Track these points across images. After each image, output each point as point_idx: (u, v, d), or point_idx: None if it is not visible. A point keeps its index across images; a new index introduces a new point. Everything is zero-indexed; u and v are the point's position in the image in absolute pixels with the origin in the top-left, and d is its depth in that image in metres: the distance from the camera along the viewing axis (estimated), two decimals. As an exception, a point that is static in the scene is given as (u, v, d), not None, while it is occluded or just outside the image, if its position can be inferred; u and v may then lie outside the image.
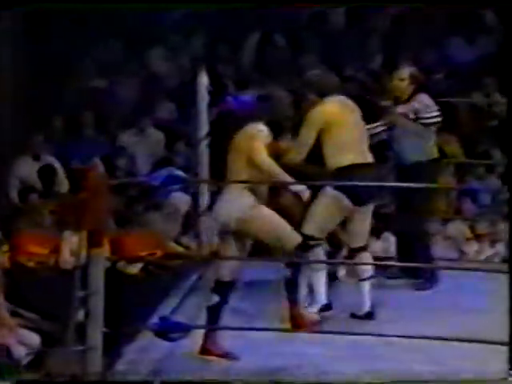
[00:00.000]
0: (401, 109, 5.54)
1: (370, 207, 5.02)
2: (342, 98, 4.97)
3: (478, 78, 8.60)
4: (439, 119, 5.64)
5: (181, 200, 6.94)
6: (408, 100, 5.59)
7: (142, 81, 8.78)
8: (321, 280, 4.87)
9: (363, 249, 5.07)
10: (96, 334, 4.23)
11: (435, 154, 5.70)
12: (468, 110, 8.44)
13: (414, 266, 5.51)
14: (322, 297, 4.88)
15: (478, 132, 8.24)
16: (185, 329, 4.41)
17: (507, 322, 4.91)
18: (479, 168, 7.71)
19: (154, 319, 4.64)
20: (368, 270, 5.03)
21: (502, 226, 7.19)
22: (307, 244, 4.69)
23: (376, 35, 9.10)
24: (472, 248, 7.16)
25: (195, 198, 6.60)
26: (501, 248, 7.11)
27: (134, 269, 5.74)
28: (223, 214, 4.61)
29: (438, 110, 5.69)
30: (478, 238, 7.19)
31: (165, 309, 4.96)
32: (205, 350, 4.56)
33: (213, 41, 9.01)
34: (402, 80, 5.58)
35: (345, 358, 4.53)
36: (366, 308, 5.05)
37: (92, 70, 8.72)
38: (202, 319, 4.86)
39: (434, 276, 5.59)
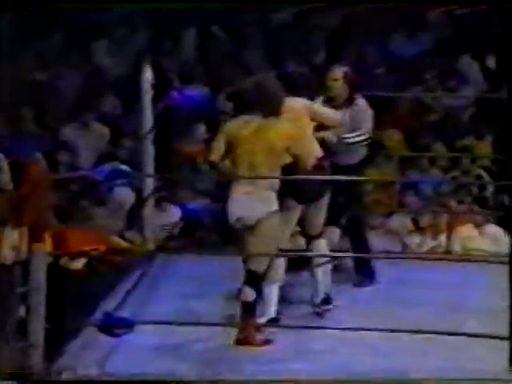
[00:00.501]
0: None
1: (322, 202, 5.08)
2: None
3: (420, 73, 8.70)
4: (364, 139, 5.51)
5: (125, 195, 6.91)
6: (347, 103, 5.45)
7: (86, 74, 8.69)
8: (273, 293, 4.86)
9: (318, 236, 5.13)
10: (38, 331, 4.19)
11: (363, 155, 5.65)
12: (410, 104, 8.54)
13: (370, 256, 5.55)
14: (271, 310, 4.86)
15: (420, 126, 8.35)
16: (129, 324, 4.39)
17: (449, 314, 5.01)
18: (422, 161, 7.81)
19: (98, 315, 4.61)
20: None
21: (444, 219, 7.30)
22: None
23: (319, 31, 9.15)
24: (414, 240, 7.25)
25: (140, 192, 6.57)
26: (443, 240, 7.21)
27: (78, 264, 5.69)
28: (248, 211, 4.63)
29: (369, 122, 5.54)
30: (420, 230, 7.28)
31: (109, 304, 4.92)
32: (242, 341, 4.65)
33: (156, 35, 8.97)
34: (336, 80, 5.46)
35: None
36: (322, 295, 5.07)
37: (33, 63, 8.60)
38: (147, 314, 4.87)
39: (373, 273, 5.63)
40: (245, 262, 4.76)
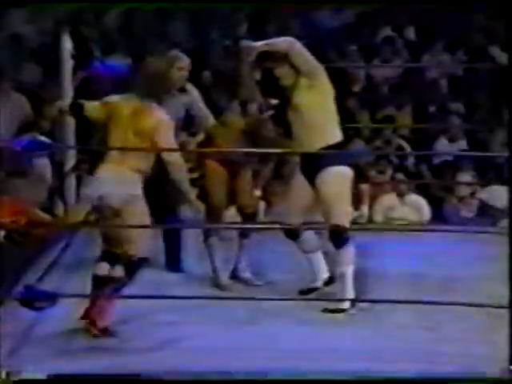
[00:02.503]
0: None
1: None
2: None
3: (342, 45, 8.76)
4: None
5: (45, 166, 6.79)
6: (181, 91, 5.20)
7: (3, 42, 8.45)
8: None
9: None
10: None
11: None
12: (333, 75, 8.57)
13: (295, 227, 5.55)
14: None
15: (345, 97, 8.40)
16: (51, 297, 4.32)
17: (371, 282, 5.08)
18: (348, 132, 7.88)
19: (19, 288, 4.53)
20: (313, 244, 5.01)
21: (367, 189, 7.38)
22: None
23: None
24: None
25: (61, 164, 6.47)
26: (365, 210, 7.30)
27: (-4, 237, 5.58)
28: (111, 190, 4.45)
29: None
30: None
31: (30, 278, 4.84)
32: (87, 316, 4.47)
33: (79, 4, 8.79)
34: (181, 69, 5.19)
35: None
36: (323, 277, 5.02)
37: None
38: (69, 289, 4.81)
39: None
40: (105, 241, 4.54)
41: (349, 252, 4.79)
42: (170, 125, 4.55)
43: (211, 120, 5.27)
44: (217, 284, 5.21)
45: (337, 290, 4.83)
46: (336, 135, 4.82)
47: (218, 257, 5.24)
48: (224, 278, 5.24)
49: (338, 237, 4.77)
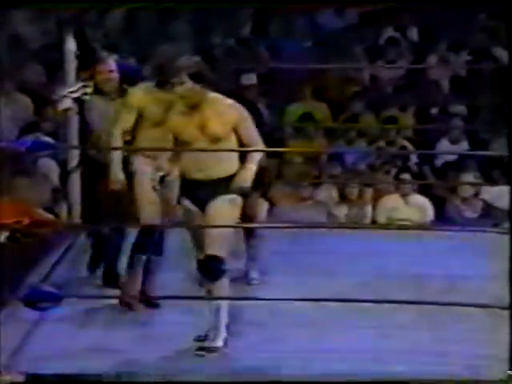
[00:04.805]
0: None
1: None
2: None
3: (346, 47, 8.76)
4: None
5: (49, 167, 6.80)
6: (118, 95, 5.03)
7: (6, 42, 8.46)
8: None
9: None
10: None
11: None
12: (336, 77, 8.59)
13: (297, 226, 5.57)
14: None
15: (347, 98, 8.42)
16: (55, 298, 4.33)
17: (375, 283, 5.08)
18: (350, 133, 7.89)
19: (23, 289, 4.54)
20: None
21: (370, 189, 7.40)
22: None
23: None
24: (341, 211, 7.32)
25: (64, 164, 6.48)
26: (369, 210, 7.31)
27: (0, 237, 5.59)
28: None
29: None
30: (346, 201, 7.36)
31: (34, 278, 4.86)
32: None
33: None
34: (112, 72, 5.05)
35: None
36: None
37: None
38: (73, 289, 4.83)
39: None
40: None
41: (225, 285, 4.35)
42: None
43: None
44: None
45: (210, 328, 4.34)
46: None
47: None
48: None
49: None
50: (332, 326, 4.57)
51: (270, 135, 6.35)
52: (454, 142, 7.99)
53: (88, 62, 5.52)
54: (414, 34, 9.21)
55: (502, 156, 7.34)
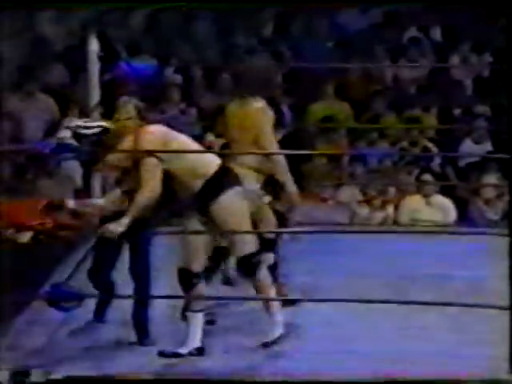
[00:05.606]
0: None
1: None
2: None
3: (368, 46, 8.74)
4: None
5: (73, 168, 6.83)
6: None
7: (30, 43, 8.51)
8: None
9: None
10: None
11: None
12: (359, 77, 8.57)
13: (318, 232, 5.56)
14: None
15: (369, 98, 8.40)
16: (78, 298, 4.36)
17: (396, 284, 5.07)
18: (372, 133, 7.88)
19: (46, 288, 4.58)
20: None
21: (392, 190, 7.38)
22: None
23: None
24: (363, 212, 7.31)
25: (88, 165, 6.50)
26: (391, 211, 7.29)
27: (24, 238, 5.63)
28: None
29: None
30: (369, 201, 7.35)
31: (56, 279, 4.88)
32: None
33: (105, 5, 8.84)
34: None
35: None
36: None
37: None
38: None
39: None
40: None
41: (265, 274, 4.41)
42: None
43: None
44: None
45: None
46: None
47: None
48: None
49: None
50: (355, 327, 4.57)
51: (294, 134, 6.37)
52: (477, 142, 7.95)
53: (111, 64, 5.54)
54: (437, 34, 9.17)
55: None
